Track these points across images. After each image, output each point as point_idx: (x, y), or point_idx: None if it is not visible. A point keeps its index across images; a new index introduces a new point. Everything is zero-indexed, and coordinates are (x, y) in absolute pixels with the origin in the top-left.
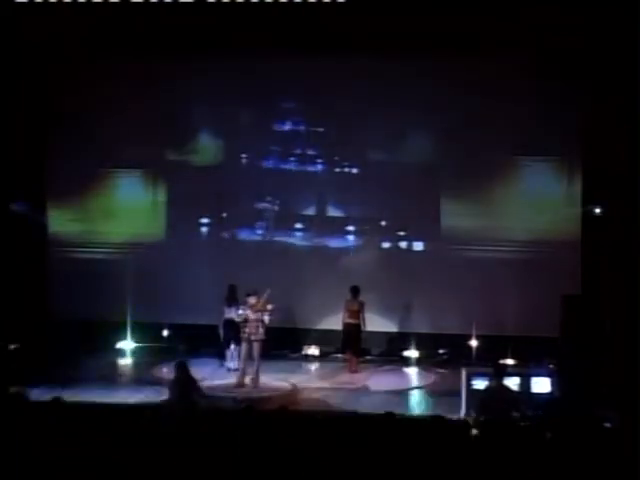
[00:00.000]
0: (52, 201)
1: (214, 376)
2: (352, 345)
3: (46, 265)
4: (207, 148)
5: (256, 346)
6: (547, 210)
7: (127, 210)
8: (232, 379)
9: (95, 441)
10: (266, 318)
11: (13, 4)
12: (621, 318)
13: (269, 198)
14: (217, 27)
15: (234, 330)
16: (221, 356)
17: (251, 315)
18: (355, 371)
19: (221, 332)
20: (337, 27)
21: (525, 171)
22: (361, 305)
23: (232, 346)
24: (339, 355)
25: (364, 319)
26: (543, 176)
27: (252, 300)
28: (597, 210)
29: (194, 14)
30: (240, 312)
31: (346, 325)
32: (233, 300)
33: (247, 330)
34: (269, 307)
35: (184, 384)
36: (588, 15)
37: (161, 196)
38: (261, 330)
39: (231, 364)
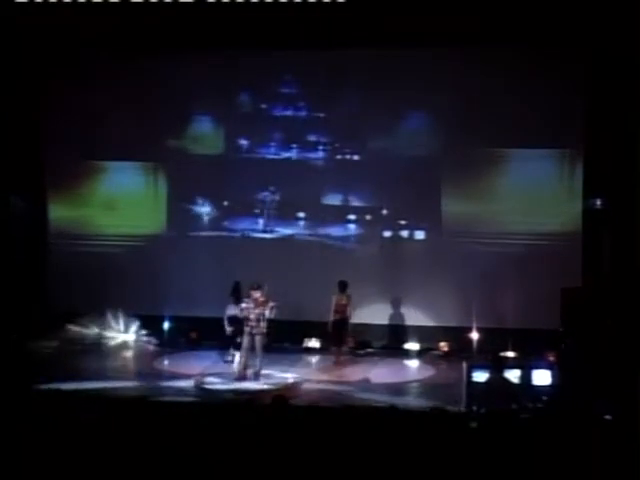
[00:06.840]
0: (52, 193)
1: (215, 369)
2: (339, 338)
3: (46, 258)
4: (207, 136)
5: (258, 339)
6: (548, 202)
7: (127, 201)
8: (233, 372)
9: (97, 433)
10: (267, 312)
11: (13, 4)
12: (621, 310)
13: (270, 187)
14: (217, 19)
15: (241, 325)
16: (225, 349)
17: (254, 309)
18: (338, 363)
19: (227, 328)
20: (339, 18)
21: (526, 163)
22: (348, 298)
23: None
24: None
25: (350, 312)
26: (544, 168)
27: (256, 294)
28: (598, 203)
29: (194, 7)
30: (243, 305)
31: (334, 320)
32: (238, 297)
33: (249, 323)
34: (271, 304)
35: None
36: (590, 8)
37: (161, 186)
38: (262, 324)
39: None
